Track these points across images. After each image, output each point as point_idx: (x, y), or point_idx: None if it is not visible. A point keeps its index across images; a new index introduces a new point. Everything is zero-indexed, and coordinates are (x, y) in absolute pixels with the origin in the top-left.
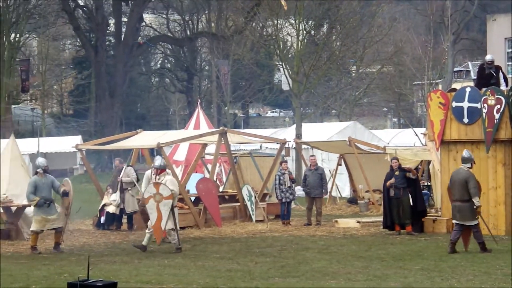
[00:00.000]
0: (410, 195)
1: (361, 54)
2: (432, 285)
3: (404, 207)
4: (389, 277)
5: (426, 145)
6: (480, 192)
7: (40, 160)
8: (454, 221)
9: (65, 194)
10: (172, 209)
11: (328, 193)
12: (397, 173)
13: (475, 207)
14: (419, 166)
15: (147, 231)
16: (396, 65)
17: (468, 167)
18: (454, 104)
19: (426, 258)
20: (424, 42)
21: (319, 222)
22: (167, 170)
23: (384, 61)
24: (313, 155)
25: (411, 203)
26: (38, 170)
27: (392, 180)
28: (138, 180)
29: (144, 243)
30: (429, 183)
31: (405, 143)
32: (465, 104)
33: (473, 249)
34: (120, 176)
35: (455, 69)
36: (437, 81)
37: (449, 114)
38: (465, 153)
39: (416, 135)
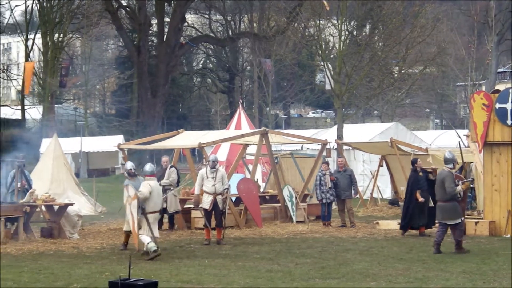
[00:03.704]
0: (430, 197)
1: (403, 54)
2: None
3: (423, 209)
4: (430, 279)
5: (469, 146)
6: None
7: (127, 165)
8: (437, 221)
9: None
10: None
11: (370, 195)
12: (420, 174)
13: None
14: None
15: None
16: (439, 66)
17: (450, 168)
18: (497, 105)
19: (467, 261)
20: (467, 43)
21: (354, 223)
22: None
23: (427, 62)
24: (341, 157)
25: (430, 205)
26: (125, 174)
27: (419, 197)
28: (178, 182)
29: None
30: (472, 185)
31: (447, 144)
32: (509, 106)
33: None
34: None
35: (499, 70)
36: (480, 82)
37: (493, 115)
38: (448, 154)
39: (459, 136)
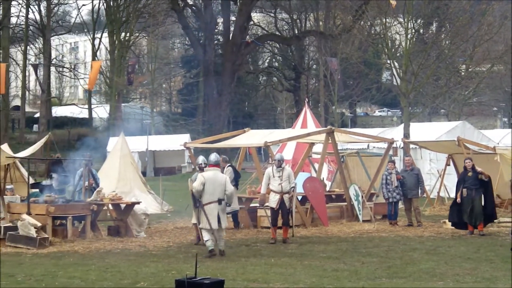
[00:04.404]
0: (482, 196)
1: (470, 52)
2: None
3: (475, 208)
4: (498, 279)
5: None
6: None
7: (199, 159)
8: None
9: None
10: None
11: (437, 194)
12: (470, 174)
13: None
14: None
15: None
16: (507, 64)
17: None
18: None
19: None
20: None
21: (420, 223)
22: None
23: (495, 60)
24: (408, 156)
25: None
26: (197, 168)
27: (458, 196)
28: (237, 180)
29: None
30: None
31: None
32: None
33: None
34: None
35: None
36: None
37: None
38: None
39: None
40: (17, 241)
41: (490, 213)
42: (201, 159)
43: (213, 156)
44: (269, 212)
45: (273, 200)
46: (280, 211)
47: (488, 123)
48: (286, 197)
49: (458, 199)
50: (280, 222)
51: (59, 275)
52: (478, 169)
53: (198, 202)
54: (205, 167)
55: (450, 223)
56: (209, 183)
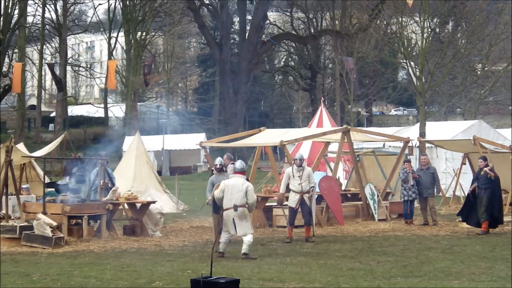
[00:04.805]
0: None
1: (487, 51)
2: None
3: (481, 206)
4: None
5: None
6: None
7: (216, 160)
8: None
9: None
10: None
11: (452, 193)
12: (482, 173)
13: None
14: None
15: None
16: None
17: None
18: None
19: None
20: None
21: (436, 222)
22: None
23: (511, 58)
24: (424, 155)
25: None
26: (212, 169)
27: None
28: None
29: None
30: None
31: None
32: None
33: None
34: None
35: None
36: None
37: None
38: None
39: None
40: (32, 241)
41: (494, 213)
42: (218, 160)
43: (238, 164)
44: (287, 211)
45: (292, 200)
46: (300, 211)
47: (504, 122)
48: (305, 196)
49: (469, 191)
50: (297, 221)
51: (74, 275)
52: (485, 168)
53: (220, 208)
54: (221, 168)
55: (465, 223)
56: (228, 189)
